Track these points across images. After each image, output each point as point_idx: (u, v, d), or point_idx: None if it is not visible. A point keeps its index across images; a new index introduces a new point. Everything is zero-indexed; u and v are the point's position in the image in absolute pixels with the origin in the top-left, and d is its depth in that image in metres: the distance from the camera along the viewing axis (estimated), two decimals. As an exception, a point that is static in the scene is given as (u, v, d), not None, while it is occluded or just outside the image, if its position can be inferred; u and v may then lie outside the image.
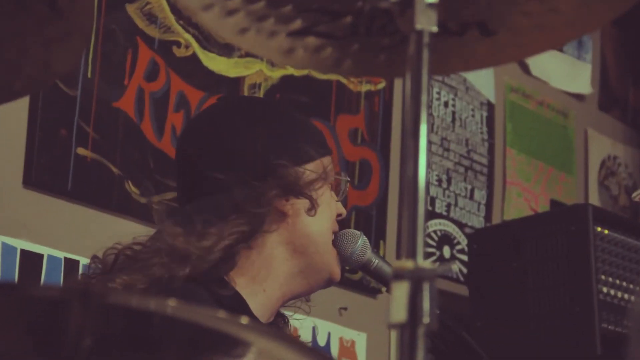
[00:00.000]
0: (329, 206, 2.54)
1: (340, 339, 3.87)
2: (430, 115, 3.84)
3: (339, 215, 2.57)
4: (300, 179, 2.48)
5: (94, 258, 2.44)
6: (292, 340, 1.45)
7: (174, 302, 1.37)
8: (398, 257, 3.81)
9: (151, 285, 2.32)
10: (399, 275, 1.47)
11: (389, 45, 1.71)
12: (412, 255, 1.48)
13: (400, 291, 1.47)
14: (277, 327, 2.58)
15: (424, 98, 1.54)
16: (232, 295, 2.40)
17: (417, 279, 1.47)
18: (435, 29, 1.55)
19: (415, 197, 1.51)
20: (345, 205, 2.67)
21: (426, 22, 1.55)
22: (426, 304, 1.47)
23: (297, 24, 1.73)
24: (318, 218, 2.52)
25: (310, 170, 2.50)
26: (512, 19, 1.72)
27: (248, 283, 2.46)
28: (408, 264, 1.48)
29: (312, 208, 2.48)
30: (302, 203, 2.49)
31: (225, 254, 2.41)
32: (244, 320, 1.42)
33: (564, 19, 1.74)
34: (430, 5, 1.55)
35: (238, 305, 2.39)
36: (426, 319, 1.46)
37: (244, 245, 2.44)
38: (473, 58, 1.81)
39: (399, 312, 1.47)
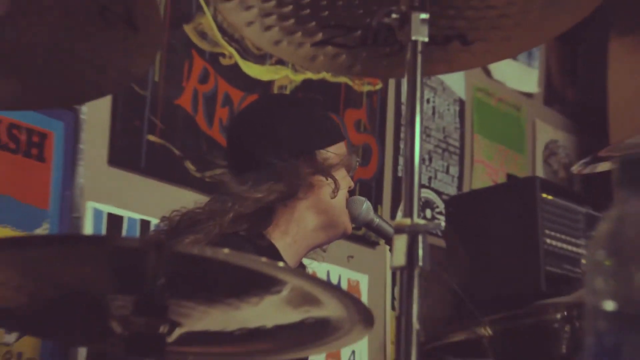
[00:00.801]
0: (344, 180, 2.54)
1: (348, 280, 3.86)
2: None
3: (349, 187, 2.58)
4: (326, 160, 2.49)
5: (163, 218, 2.44)
6: (317, 280, 1.44)
7: (226, 250, 1.36)
8: (392, 217, 3.80)
9: (207, 240, 2.32)
10: (399, 229, 1.46)
11: (391, 53, 1.69)
12: (410, 214, 1.47)
13: (400, 242, 1.45)
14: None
15: (418, 94, 1.51)
16: (268, 245, 2.40)
17: (413, 233, 1.45)
18: (426, 39, 1.53)
19: (412, 171, 1.49)
20: (352, 179, 2.66)
21: (420, 34, 1.53)
22: (420, 252, 1.45)
23: (319, 36, 1.71)
24: (332, 190, 2.53)
25: (332, 152, 2.51)
26: (486, 32, 1.70)
27: (282, 236, 2.47)
28: (406, 221, 1.46)
29: (336, 188, 2.49)
30: (322, 180, 2.50)
31: (265, 211, 2.42)
32: (280, 264, 1.40)
33: (524, 32, 1.72)
34: (423, 21, 1.53)
35: (272, 254, 2.40)
36: (420, 263, 1.44)
37: (281, 205, 2.44)
38: (455, 63, 1.79)
39: (399, 258, 1.45)
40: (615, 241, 0.89)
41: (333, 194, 2.51)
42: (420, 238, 1.45)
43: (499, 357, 1.90)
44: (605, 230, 0.90)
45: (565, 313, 1.78)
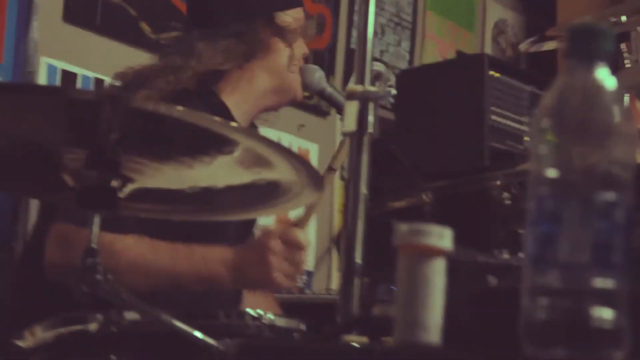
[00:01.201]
0: (300, 47, 2.51)
1: (298, 148, 3.87)
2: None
3: (304, 54, 2.54)
4: (285, 24, 2.46)
5: (116, 73, 2.40)
6: (270, 141, 1.43)
7: (180, 108, 1.35)
8: (344, 88, 3.79)
9: (159, 96, 2.29)
10: (351, 96, 1.45)
11: None
12: (362, 82, 1.46)
13: (352, 108, 1.45)
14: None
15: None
16: (218, 103, 2.38)
17: (364, 99, 1.45)
18: None
19: (365, 40, 1.48)
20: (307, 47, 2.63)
21: None
22: (371, 118, 1.45)
23: None
24: (288, 54, 2.48)
25: (290, 16, 2.48)
26: None
27: (233, 95, 2.43)
28: (358, 87, 1.45)
29: (292, 58, 2.47)
30: (279, 43, 2.46)
31: (217, 71, 2.39)
32: (234, 124, 1.40)
33: None
34: None
35: (223, 112, 2.37)
36: (370, 129, 1.45)
37: (235, 66, 2.41)
38: None
39: (350, 124, 1.45)
40: (560, 110, 0.89)
41: (290, 62, 2.48)
42: (371, 105, 1.45)
43: (439, 221, 1.92)
44: (550, 99, 0.90)
45: (504, 181, 1.80)
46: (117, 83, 2.38)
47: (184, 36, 2.46)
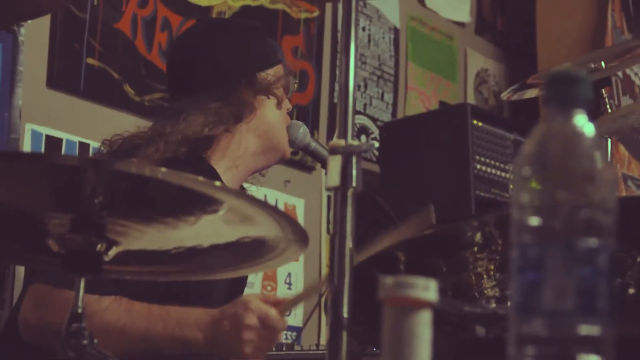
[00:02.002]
0: (283, 102, 2.52)
1: (285, 204, 3.87)
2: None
3: (287, 109, 2.55)
4: (266, 81, 2.46)
5: (104, 141, 2.40)
6: (253, 199, 1.43)
7: (164, 169, 1.34)
8: (328, 142, 3.79)
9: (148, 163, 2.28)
10: (334, 150, 1.45)
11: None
12: (344, 136, 1.46)
13: (335, 163, 1.45)
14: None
15: (353, 21, 1.50)
16: (207, 168, 2.38)
17: (347, 154, 1.44)
18: (362, -36, 1.51)
19: (347, 94, 1.48)
20: (290, 101, 2.64)
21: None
22: (354, 172, 1.45)
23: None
24: (274, 111, 2.49)
25: (271, 74, 2.49)
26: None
27: (222, 159, 2.43)
28: (341, 142, 1.45)
29: (279, 103, 2.48)
30: (266, 100, 2.47)
31: (206, 137, 2.39)
32: (217, 183, 1.40)
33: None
34: (359, -55, 1.51)
35: (212, 176, 2.37)
36: (354, 184, 1.44)
37: (224, 130, 2.41)
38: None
39: (334, 178, 1.45)
40: (541, 158, 0.89)
41: (279, 106, 2.49)
42: (354, 159, 1.45)
43: (420, 272, 1.91)
44: (531, 147, 0.90)
45: (478, 224, 1.80)
46: (105, 150, 2.38)
47: (171, 103, 2.46)
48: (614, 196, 0.88)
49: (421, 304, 0.97)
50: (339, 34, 4.08)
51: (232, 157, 2.45)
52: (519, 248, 0.88)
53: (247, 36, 2.58)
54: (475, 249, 1.65)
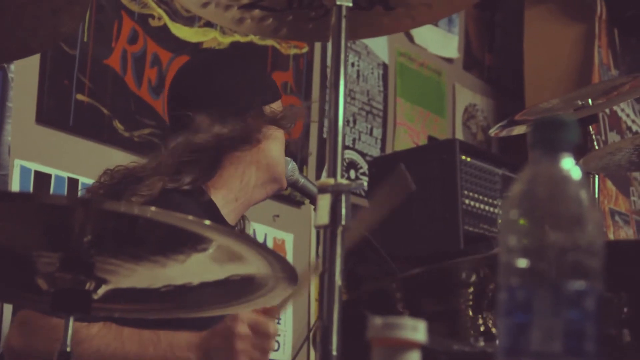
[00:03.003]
0: (282, 134, 2.54)
1: (274, 238, 3.86)
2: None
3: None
4: (272, 114, 2.48)
5: (105, 172, 2.39)
6: (242, 237, 1.43)
7: (153, 208, 1.34)
8: (317, 177, 3.79)
9: (150, 195, 2.28)
10: (323, 189, 1.46)
11: (316, 17, 1.68)
12: (333, 174, 1.47)
13: (324, 201, 1.46)
14: (240, 227, 2.56)
15: (342, 56, 1.51)
16: (207, 201, 2.38)
17: (337, 192, 1.45)
18: (350, 4, 1.52)
19: (336, 132, 1.49)
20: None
21: (344, -1, 1.52)
22: (343, 211, 1.45)
23: (246, -1, 1.70)
24: (278, 144, 2.51)
25: (275, 107, 2.50)
26: (407, -2, 1.70)
27: (222, 192, 2.43)
28: (330, 181, 1.46)
29: (287, 135, 2.54)
30: (271, 133, 2.48)
31: (209, 163, 2.40)
32: (207, 222, 1.40)
33: (445, -1, 1.73)
34: (347, -14, 1.52)
35: (211, 210, 2.37)
36: (343, 222, 1.45)
37: (227, 160, 2.42)
38: (377, 27, 1.79)
39: (323, 217, 1.45)
40: (528, 201, 0.90)
41: (285, 138, 2.51)
42: (343, 197, 1.45)
43: (410, 309, 1.92)
44: (518, 191, 0.91)
45: (472, 265, 1.80)
46: (106, 180, 2.37)
47: (173, 135, 2.45)
48: (601, 239, 0.89)
49: (410, 345, 0.97)
50: (328, 70, 4.10)
51: (233, 189, 2.45)
52: (507, 290, 0.89)
53: (251, 69, 2.59)
54: (469, 288, 1.65)
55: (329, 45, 1.54)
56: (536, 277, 0.87)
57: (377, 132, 4.54)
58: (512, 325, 0.88)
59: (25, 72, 2.99)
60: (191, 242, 1.41)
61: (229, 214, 2.44)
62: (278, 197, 3.53)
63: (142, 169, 2.35)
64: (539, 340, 0.86)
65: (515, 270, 0.88)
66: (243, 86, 2.49)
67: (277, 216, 3.89)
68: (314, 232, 4.02)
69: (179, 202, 2.30)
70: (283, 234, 3.90)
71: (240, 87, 2.48)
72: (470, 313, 1.62)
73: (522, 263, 0.88)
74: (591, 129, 2.65)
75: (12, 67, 2.94)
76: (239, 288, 1.52)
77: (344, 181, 1.45)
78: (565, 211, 0.88)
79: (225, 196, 2.44)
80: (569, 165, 0.91)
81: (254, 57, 2.56)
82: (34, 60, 3.02)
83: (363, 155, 4.41)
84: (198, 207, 2.33)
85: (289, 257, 3.81)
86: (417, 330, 0.97)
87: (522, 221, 0.88)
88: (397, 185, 1.74)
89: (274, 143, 2.49)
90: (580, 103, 2.67)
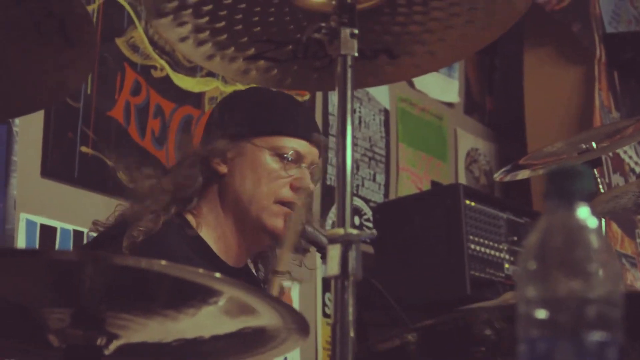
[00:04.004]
0: (265, 166, 2.39)
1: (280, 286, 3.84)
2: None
3: (295, 184, 2.40)
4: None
5: (94, 223, 2.40)
6: (253, 289, 1.42)
7: (163, 262, 1.34)
8: (321, 224, 3.76)
9: (145, 232, 2.27)
10: (333, 239, 1.45)
11: (321, 67, 1.68)
12: (342, 224, 1.46)
13: (334, 251, 1.45)
14: (249, 275, 2.52)
15: (349, 106, 1.51)
16: (195, 236, 2.34)
17: (346, 242, 1.44)
18: (356, 54, 1.53)
19: (345, 181, 1.49)
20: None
21: (349, 49, 1.53)
22: (354, 261, 1.45)
23: (251, 51, 1.71)
24: (249, 173, 2.39)
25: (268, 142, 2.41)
26: (411, 47, 1.71)
27: (207, 230, 2.39)
28: (340, 231, 1.45)
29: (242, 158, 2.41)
30: (237, 160, 2.40)
31: (186, 199, 2.37)
32: (217, 275, 1.39)
33: (447, 47, 1.74)
34: (352, 35, 1.53)
35: (202, 248, 2.34)
36: (353, 272, 1.44)
37: (202, 193, 2.40)
38: (382, 75, 1.80)
39: (333, 267, 1.45)
40: (545, 251, 0.89)
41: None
42: (353, 247, 1.45)
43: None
44: (535, 241, 0.91)
45: (486, 317, 1.80)
46: (98, 229, 2.38)
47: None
48: (620, 288, 0.88)
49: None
50: (330, 117, 4.10)
51: (212, 225, 2.39)
52: (527, 342, 0.88)
53: (259, 101, 2.53)
54: (483, 337, 1.64)
55: (331, 92, 1.55)
56: (556, 328, 0.87)
57: (380, 178, 4.54)
58: (533, 378, 0.87)
59: (29, 126, 3.00)
60: (201, 295, 1.40)
61: (227, 254, 2.39)
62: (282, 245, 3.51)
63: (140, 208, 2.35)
64: (560, 392, 0.86)
65: (535, 322, 0.88)
66: (243, 110, 2.45)
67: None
68: (320, 279, 4.00)
69: (167, 241, 2.27)
70: (289, 283, 3.88)
71: (240, 109, 2.45)
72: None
73: (541, 314, 0.87)
74: (596, 172, 2.65)
75: (17, 121, 2.95)
76: (251, 340, 1.51)
77: (354, 231, 1.45)
78: (584, 261, 0.88)
79: (211, 233, 2.38)
80: (585, 214, 0.91)
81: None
82: (38, 114, 3.03)
83: (367, 201, 4.41)
84: (186, 243, 2.31)
85: (296, 305, 3.79)
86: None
87: (539, 272, 0.88)
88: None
89: (247, 174, 2.38)
90: (584, 146, 2.67)
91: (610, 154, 4.88)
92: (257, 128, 2.42)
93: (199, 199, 2.39)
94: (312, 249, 2.67)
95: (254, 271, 2.55)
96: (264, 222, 2.38)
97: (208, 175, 2.38)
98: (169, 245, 2.27)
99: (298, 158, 2.41)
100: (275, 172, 2.39)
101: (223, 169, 2.39)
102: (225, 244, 2.40)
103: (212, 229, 2.39)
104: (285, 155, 2.38)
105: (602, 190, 2.65)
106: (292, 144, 2.40)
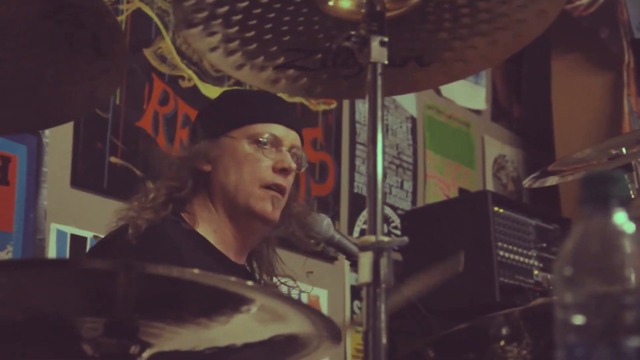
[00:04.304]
0: (245, 155, 2.45)
1: (308, 295, 3.84)
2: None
3: (280, 166, 2.45)
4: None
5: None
6: (284, 296, 1.43)
7: (195, 270, 1.34)
8: (350, 232, 3.76)
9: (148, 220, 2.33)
10: (364, 247, 1.45)
11: (350, 75, 1.68)
12: (374, 232, 1.46)
13: (365, 259, 1.45)
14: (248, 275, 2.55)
15: (379, 114, 1.51)
16: (192, 230, 2.40)
17: (378, 250, 1.44)
18: (385, 62, 1.53)
19: (375, 189, 1.49)
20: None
21: (379, 56, 1.53)
22: (385, 268, 1.44)
23: (281, 60, 1.71)
24: (233, 167, 2.45)
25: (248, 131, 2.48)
26: (441, 54, 1.70)
27: (203, 225, 2.44)
28: (371, 238, 1.45)
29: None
30: (222, 156, 2.47)
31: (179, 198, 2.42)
32: (250, 283, 1.39)
33: (477, 54, 1.73)
34: (382, 43, 1.53)
35: (200, 241, 2.40)
36: (385, 279, 1.44)
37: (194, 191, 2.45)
38: (411, 83, 1.80)
39: (365, 275, 1.45)
40: (581, 257, 0.89)
41: (250, 165, 2.45)
42: (384, 255, 1.44)
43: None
44: (570, 247, 0.90)
45: (504, 321, 1.79)
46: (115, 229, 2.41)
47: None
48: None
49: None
50: (358, 125, 4.09)
51: (206, 219, 2.44)
52: (565, 348, 0.87)
53: (232, 97, 2.62)
54: (503, 342, 1.64)
55: (358, 100, 1.55)
56: (594, 333, 0.86)
57: (408, 185, 4.53)
58: (571, 384, 0.87)
59: (59, 137, 3.02)
60: (233, 303, 1.40)
61: (226, 248, 2.43)
62: (311, 253, 3.52)
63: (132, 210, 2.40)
64: (599, 398, 0.85)
65: (572, 328, 0.87)
66: (218, 109, 2.54)
67: (311, 272, 3.87)
68: (348, 287, 4.00)
69: (168, 232, 2.33)
70: (317, 290, 3.88)
71: (215, 110, 2.55)
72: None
73: (579, 320, 0.87)
74: (626, 178, 2.63)
75: (47, 132, 2.97)
76: (283, 348, 1.51)
77: (386, 238, 1.45)
78: (620, 266, 0.87)
79: (207, 227, 2.43)
80: (621, 219, 0.90)
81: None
82: (68, 125, 3.05)
83: (394, 209, 4.40)
84: (185, 237, 2.36)
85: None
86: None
87: (576, 277, 0.87)
88: (450, 265, 1.76)
89: (230, 165, 2.44)
90: (614, 152, 2.65)
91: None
92: (231, 121, 2.49)
93: (191, 200, 2.45)
94: (341, 257, 2.68)
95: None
96: (253, 208, 2.42)
97: (195, 177, 2.44)
98: (169, 235, 2.32)
99: (275, 141, 2.47)
100: (254, 158, 2.44)
101: (207, 167, 2.45)
102: (222, 237, 2.45)
103: (207, 224, 2.44)
104: (261, 140, 2.45)
105: (632, 196, 2.63)
106: (268, 129, 2.47)
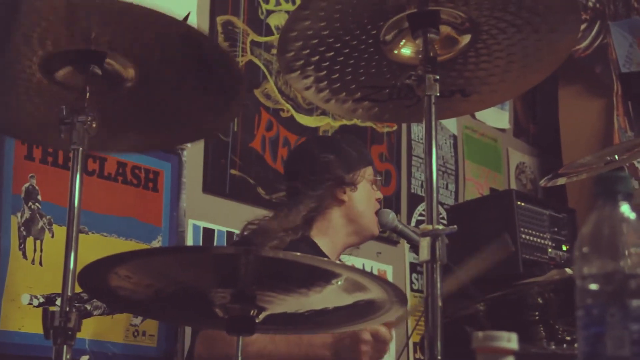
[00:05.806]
0: (368, 193, 2.51)
1: (378, 270, 3.83)
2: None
3: (377, 199, 2.53)
4: (352, 178, 2.46)
5: (246, 225, 2.44)
6: (364, 271, 1.42)
7: (298, 253, 1.34)
8: (408, 222, 3.69)
9: (282, 245, 2.31)
10: (424, 233, 1.44)
11: (411, 105, 1.67)
12: (431, 221, 1.45)
13: (425, 242, 1.44)
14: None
15: (434, 133, 1.50)
16: (314, 245, 2.39)
17: (435, 235, 1.43)
18: (437, 94, 1.51)
19: (432, 188, 1.47)
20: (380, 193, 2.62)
21: (433, 90, 1.51)
22: (440, 249, 1.43)
23: (358, 94, 1.70)
24: (363, 200, 2.48)
25: (358, 174, 2.48)
26: (479, 87, 1.68)
27: (323, 239, 2.44)
28: (429, 226, 1.44)
29: (354, 186, 2.47)
30: (355, 192, 2.46)
31: (306, 221, 2.40)
32: (338, 262, 1.39)
33: (506, 87, 1.71)
34: (435, 80, 1.51)
35: (316, 250, 2.38)
36: (440, 258, 1.42)
37: (319, 216, 2.43)
38: (456, 109, 1.78)
39: (425, 254, 1.43)
40: (596, 239, 0.87)
41: (365, 207, 2.48)
42: (439, 239, 1.43)
43: (492, 325, 1.87)
44: (587, 231, 0.88)
45: (538, 289, 1.76)
46: (247, 232, 2.41)
47: (287, 197, 2.51)
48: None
49: (506, 352, 0.94)
50: (414, 142, 4.05)
51: (329, 235, 2.45)
52: (584, 309, 0.85)
53: (339, 148, 2.57)
54: (538, 304, 1.60)
55: (413, 124, 1.53)
56: (606, 297, 0.84)
57: (451, 186, 4.48)
58: (589, 336, 0.84)
59: (193, 155, 3.04)
60: (326, 277, 1.40)
61: (331, 254, 2.44)
62: (379, 238, 3.50)
63: (270, 224, 2.38)
64: (611, 348, 0.83)
65: (589, 293, 0.85)
66: (328, 162, 2.48)
67: (380, 253, 3.85)
68: (408, 264, 3.97)
69: (301, 247, 2.33)
70: (384, 266, 3.86)
71: (325, 163, 2.48)
72: (541, 324, 1.57)
73: (594, 287, 0.85)
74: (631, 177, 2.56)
75: (185, 152, 3.00)
76: (364, 310, 1.51)
77: (440, 226, 1.43)
78: (626, 245, 0.85)
79: (325, 242, 2.44)
80: (627, 209, 0.88)
81: (348, 138, 2.58)
82: (200, 146, 3.07)
83: (441, 204, 4.36)
84: (310, 249, 2.35)
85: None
86: (511, 340, 0.94)
87: (592, 254, 0.85)
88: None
89: (358, 201, 2.47)
90: (609, 158, 2.59)
91: (627, 164, 4.74)
92: (358, 162, 2.51)
93: (316, 217, 2.45)
94: (402, 241, 2.68)
95: None
96: (372, 229, 2.51)
97: (330, 201, 2.45)
98: (299, 248, 2.33)
99: (374, 179, 2.56)
100: (372, 194, 2.52)
101: (345, 197, 2.47)
102: (331, 247, 2.46)
103: (324, 239, 2.45)
104: (371, 180, 2.53)
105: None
106: (371, 170, 2.56)
